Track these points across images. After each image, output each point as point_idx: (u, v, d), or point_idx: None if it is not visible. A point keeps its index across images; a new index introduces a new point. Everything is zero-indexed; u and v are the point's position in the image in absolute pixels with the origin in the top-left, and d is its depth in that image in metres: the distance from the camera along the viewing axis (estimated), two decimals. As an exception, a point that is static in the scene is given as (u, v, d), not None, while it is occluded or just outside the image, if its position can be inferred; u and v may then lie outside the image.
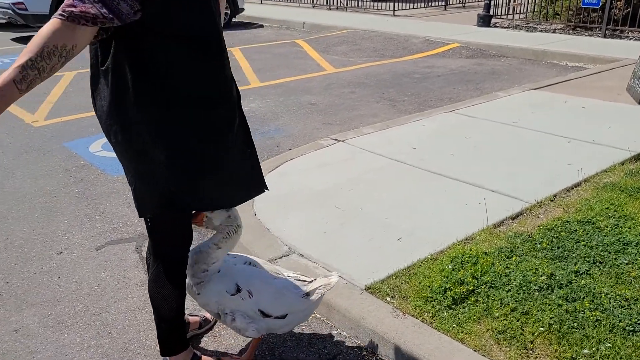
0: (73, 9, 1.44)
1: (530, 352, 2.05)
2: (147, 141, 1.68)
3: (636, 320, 2.12)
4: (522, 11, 11.30)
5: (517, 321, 2.18)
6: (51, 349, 2.26)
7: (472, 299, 2.33)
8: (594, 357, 1.99)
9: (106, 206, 3.48)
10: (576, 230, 2.77)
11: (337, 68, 7.78)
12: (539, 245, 2.67)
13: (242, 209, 3.23)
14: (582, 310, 2.19)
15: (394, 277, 2.56)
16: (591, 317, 2.15)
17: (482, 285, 2.40)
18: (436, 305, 2.33)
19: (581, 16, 9.76)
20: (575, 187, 3.40)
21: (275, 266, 2.22)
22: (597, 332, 2.08)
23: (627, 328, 2.09)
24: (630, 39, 8.93)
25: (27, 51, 1.40)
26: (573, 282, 2.37)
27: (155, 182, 1.73)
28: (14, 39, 10.62)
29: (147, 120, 1.66)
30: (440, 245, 2.80)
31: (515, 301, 2.28)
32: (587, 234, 2.74)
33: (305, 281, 2.17)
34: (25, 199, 3.68)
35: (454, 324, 2.22)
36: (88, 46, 1.61)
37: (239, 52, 8.99)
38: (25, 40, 10.37)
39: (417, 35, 9.77)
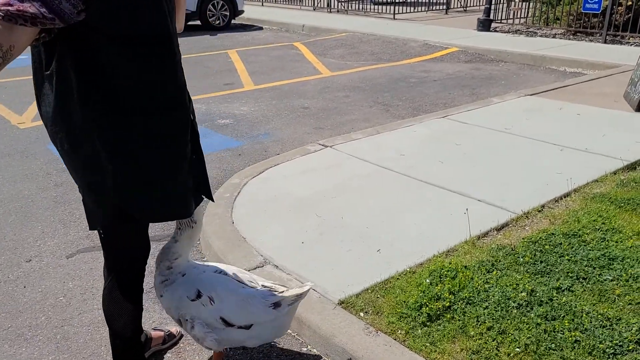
0: (9, 7, 1.35)
1: (505, 374, 1.94)
2: (93, 149, 1.59)
3: (617, 341, 2.01)
4: (522, 16, 11.20)
5: (493, 341, 2.08)
6: (7, 363, 2.18)
7: (448, 315, 2.23)
8: (571, 381, 1.89)
9: (82, 212, 3.39)
10: (561, 244, 2.67)
11: (333, 72, 7.70)
12: (521, 259, 2.56)
13: (219, 217, 3.14)
14: (561, 330, 2.09)
15: (369, 291, 2.46)
16: (570, 338, 2.04)
17: (459, 301, 2.30)
18: (410, 322, 2.23)
19: (582, 21, 9.64)
20: (564, 197, 3.29)
21: (252, 275, 2.13)
22: (575, 354, 1.98)
23: (607, 350, 1.98)
24: (630, 45, 8.81)
25: None
26: (554, 299, 2.27)
27: (104, 193, 1.64)
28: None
29: (92, 127, 1.57)
30: (420, 258, 2.70)
31: (492, 319, 2.18)
32: (572, 247, 2.63)
33: (277, 291, 2.08)
34: (1, 204, 3.60)
35: (427, 342, 2.12)
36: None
37: (236, 55, 8.91)
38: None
39: (416, 39, 9.68)
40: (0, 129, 5.13)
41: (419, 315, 2.25)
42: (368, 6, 13.97)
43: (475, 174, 3.70)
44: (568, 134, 4.45)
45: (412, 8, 13.52)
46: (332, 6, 14.25)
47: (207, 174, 1.92)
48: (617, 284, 2.35)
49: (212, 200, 1.96)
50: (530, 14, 11.00)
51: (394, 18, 12.58)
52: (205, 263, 2.11)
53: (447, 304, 2.28)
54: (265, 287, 2.06)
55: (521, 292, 2.32)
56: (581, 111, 5.12)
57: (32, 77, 1.64)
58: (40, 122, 5.31)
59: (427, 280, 2.44)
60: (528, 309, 2.23)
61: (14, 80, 6.86)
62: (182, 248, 1.99)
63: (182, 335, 2.34)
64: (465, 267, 2.53)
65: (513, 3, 11.53)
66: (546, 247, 2.65)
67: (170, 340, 2.29)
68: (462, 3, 14.61)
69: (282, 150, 4.52)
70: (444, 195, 3.39)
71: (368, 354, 2.09)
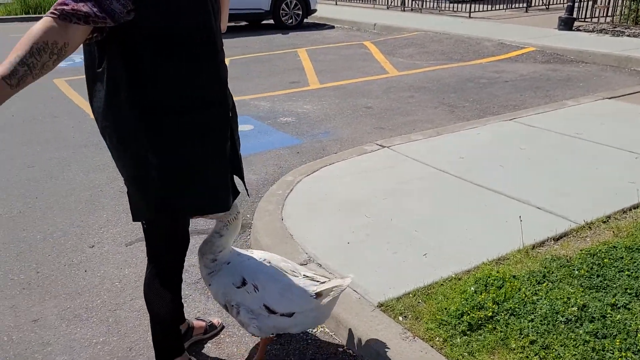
0: (65, 7, 1.44)
1: (544, 392, 1.85)
2: (139, 144, 1.67)
3: (674, 367, 1.85)
4: (609, 14, 10.53)
5: (535, 355, 1.98)
6: (62, 342, 2.33)
7: (490, 326, 2.15)
8: (617, 405, 1.76)
9: (145, 203, 3.57)
10: (622, 258, 2.49)
11: (400, 71, 7.60)
12: (576, 272, 2.42)
13: (269, 213, 3.20)
14: (611, 350, 1.95)
15: (411, 295, 2.42)
16: (620, 359, 1.91)
17: (503, 311, 2.21)
18: (450, 330, 2.17)
19: (676, 19, 8.93)
20: (634, 208, 3.07)
21: (295, 264, 2.17)
22: (624, 377, 1.85)
23: (661, 376, 1.83)
24: None
25: (16, 48, 1.41)
26: (607, 316, 2.12)
27: (148, 187, 1.72)
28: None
29: (139, 123, 1.65)
30: (467, 265, 2.62)
31: (537, 333, 2.08)
32: (635, 262, 2.45)
33: (318, 282, 2.10)
34: (74, 192, 3.85)
35: (465, 352, 2.05)
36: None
37: (305, 53, 9.01)
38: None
39: (490, 38, 9.36)
40: (80, 122, 5.49)
41: (459, 323, 2.18)
42: (443, 4, 13.66)
43: (538, 180, 3.53)
44: (646, 141, 4.15)
45: (490, 6, 13.08)
46: (406, 4, 14.06)
47: (243, 168, 1.97)
48: (681, 305, 2.16)
49: (248, 195, 2.01)
50: (617, 12, 10.32)
51: (470, 17, 12.22)
52: (250, 251, 2.15)
53: (490, 314, 2.20)
54: (307, 277, 2.09)
55: (572, 306, 2.19)
56: (664, 116, 4.76)
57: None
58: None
59: (472, 288, 2.37)
60: (577, 324, 2.10)
61: (96, 77, 7.28)
62: (227, 241, 2.05)
63: (223, 327, 2.41)
64: (514, 276, 2.43)
65: (599, 0, 10.87)
66: (605, 260, 2.49)
67: (212, 331, 2.36)
68: (544, 1, 13.95)
69: (340, 150, 4.52)
70: (501, 201, 3.27)
71: (403, 359, 2.06)
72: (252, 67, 8.07)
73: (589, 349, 1.97)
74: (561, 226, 2.91)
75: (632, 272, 2.38)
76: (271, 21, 12.07)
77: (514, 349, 2.02)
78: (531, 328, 2.10)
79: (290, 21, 12.05)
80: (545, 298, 2.26)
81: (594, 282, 2.34)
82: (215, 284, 2.05)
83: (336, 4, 16.07)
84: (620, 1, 10.29)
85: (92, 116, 5.67)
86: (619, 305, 2.18)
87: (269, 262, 2.10)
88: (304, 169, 3.92)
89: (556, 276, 2.42)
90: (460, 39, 9.53)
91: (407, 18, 12.43)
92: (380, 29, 11.53)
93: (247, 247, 3.07)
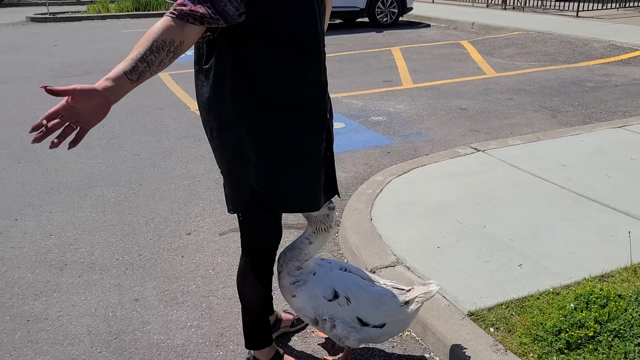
0: (183, 7, 1.51)
1: None
2: (238, 140, 1.73)
3: None
4: None
5: (642, 384, 1.83)
6: (160, 322, 2.47)
7: (590, 346, 2.01)
8: None
9: (238, 195, 3.70)
10: None
11: (498, 72, 7.32)
12: (693, 297, 2.21)
13: (358, 212, 3.20)
14: None
15: (503, 306, 2.32)
16: None
17: (606, 332, 2.06)
18: (545, 347, 2.06)
19: None
20: None
21: (370, 274, 2.14)
22: None
23: None
24: None
25: (138, 45, 1.49)
26: None
27: (245, 182, 1.77)
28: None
29: (241, 120, 1.70)
30: (567, 279, 2.47)
31: (645, 360, 1.92)
32: None
33: (402, 289, 2.07)
34: (174, 180, 4.07)
35: (561, 372, 1.94)
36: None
37: (398, 52, 8.91)
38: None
39: (599, 39, 8.77)
40: (181, 115, 5.79)
41: (556, 340, 2.06)
42: (548, 2, 12.98)
43: (650, 193, 3.26)
44: None
45: (601, 5, 12.26)
46: (507, 2, 13.50)
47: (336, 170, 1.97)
48: None
49: (339, 197, 2.00)
50: None
51: (577, 16, 11.52)
52: (327, 259, 2.09)
53: (591, 334, 2.06)
54: (387, 285, 2.06)
55: (686, 334, 2.00)
56: None
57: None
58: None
59: (572, 305, 2.23)
60: (692, 355, 1.92)
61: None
62: (315, 249, 1.98)
63: (309, 322, 2.44)
64: (620, 296, 2.26)
65: None
66: None
67: (298, 325, 2.40)
68: (663, -2, 12.85)
69: (432, 151, 4.43)
70: (606, 214, 3.05)
71: (492, 372, 1.98)
72: (345, 65, 8.10)
73: None
74: (676, 245, 2.67)
75: None
76: (366, 19, 12.06)
77: (618, 374, 1.88)
78: (637, 352, 1.95)
79: (385, 19, 11.98)
80: (655, 322, 2.08)
81: None
82: (303, 297, 1.96)
83: (433, 2, 15.75)
84: None
85: (192, 109, 5.98)
86: None
87: (350, 272, 2.05)
88: (394, 169, 3.89)
89: (669, 299, 2.22)
90: (566, 39, 9.01)
91: (508, 17, 11.94)
92: (479, 28, 11.16)
93: (334, 244, 3.10)
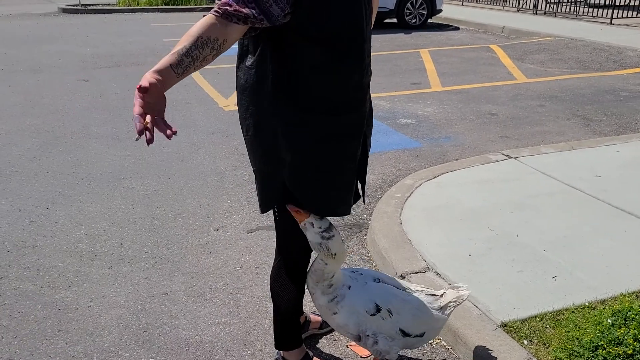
0: (228, 7, 1.51)
1: None
2: (275, 140, 1.71)
3: None
4: None
5: (684, 407, 1.77)
6: (188, 317, 2.47)
7: (629, 365, 1.96)
8: None
9: (266, 193, 3.70)
10: None
11: (529, 78, 7.20)
12: None
13: (388, 216, 3.17)
14: None
15: (537, 318, 2.27)
16: None
17: (645, 352, 2.00)
18: (581, 363, 2.01)
19: None
20: None
21: (401, 280, 2.11)
22: None
23: None
24: None
25: (183, 40, 1.49)
26: None
27: (277, 181, 1.76)
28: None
29: (279, 120, 1.69)
30: (603, 294, 2.41)
31: (687, 382, 1.85)
32: None
33: (435, 295, 2.03)
34: (202, 176, 4.08)
35: (598, 389, 1.89)
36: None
37: (427, 55, 8.84)
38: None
39: (634, 47, 8.59)
40: (209, 110, 5.81)
41: (593, 356, 2.01)
42: (581, 9, 12.75)
43: (689, 208, 3.17)
44: None
45: (635, 12, 12.00)
46: (539, 7, 13.30)
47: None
48: None
49: (363, 202, 2.00)
50: None
51: (611, 23, 11.29)
52: (359, 270, 2.02)
53: (630, 352, 2.00)
54: (419, 292, 2.03)
55: None
56: None
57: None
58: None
59: (609, 320, 2.17)
60: None
61: (225, 67, 7.68)
62: (334, 268, 1.88)
63: (337, 325, 2.41)
64: (660, 314, 2.19)
65: None
66: None
67: (327, 327, 2.38)
68: (701, 8, 12.53)
69: (462, 156, 4.37)
70: (644, 228, 2.97)
71: (526, 386, 1.94)
72: (373, 66, 8.01)
73: None
74: None
75: None
76: (394, 20, 11.98)
77: (658, 396, 1.83)
78: (680, 375, 1.88)
79: (413, 21, 11.89)
80: (697, 343, 2.02)
81: None
82: (345, 314, 1.88)
83: (462, 5, 15.60)
84: None
85: (219, 104, 5.99)
86: None
87: (384, 282, 2.00)
88: (424, 173, 3.84)
89: None
90: (599, 46, 8.84)
91: (540, 22, 11.76)
92: (509, 32, 11.01)
93: (362, 246, 3.07)
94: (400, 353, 2.24)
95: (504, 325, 2.24)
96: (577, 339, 2.11)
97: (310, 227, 1.79)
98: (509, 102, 6.05)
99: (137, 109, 1.39)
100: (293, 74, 1.64)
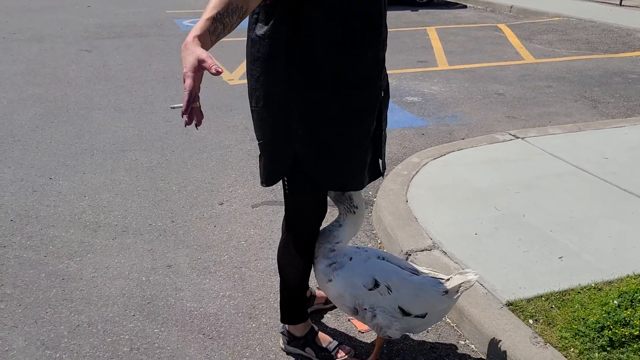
0: None
1: None
2: (286, 113, 1.68)
3: None
4: None
5: (689, 389, 1.77)
6: (192, 290, 2.46)
7: (635, 345, 1.95)
8: None
9: (271, 167, 3.67)
10: None
11: (537, 58, 7.11)
12: None
13: (394, 193, 3.15)
14: None
15: (543, 298, 2.26)
16: None
17: (651, 333, 1.99)
18: (587, 343, 2.00)
19: None
20: None
21: (408, 262, 2.09)
22: None
23: None
24: None
25: (214, 6, 1.40)
26: None
27: (286, 153, 1.73)
28: None
29: (292, 93, 1.65)
30: (609, 275, 2.40)
31: (693, 364, 1.85)
32: None
33: (442, 278, 2.02)
34: (206, 149, 4.05)
35: (603, 370, 1.89)
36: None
37: (434, 32, 8.72)
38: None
39: (643, 29, 8.47)
40: (213, 83, 5.74)
41: (598, 337, 2.01)
42: (590, -11, 12.53)
43: (697, 192, 3.15)
44: None
45: (645, -6, 11.80)
46: (547, -13, 13.08)
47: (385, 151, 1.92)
48: None
49: (382, 178, 1.98)
50: None
51: (621, 4, 11.13)
52: (364, 248, 2.03)
53: (637, 333, 1.99)
54: (423, 274, 2.00)
55: None
56: None
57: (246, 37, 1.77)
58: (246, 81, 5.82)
59: (615, 302, 2.16)
60: None
61: (230, 41, 7.57)
62: (345, 233, 1.94)
63: (342, 300, 2.41)
64: (666, 296, 2.18)
65: None
66: None
67: (331, 303, 2.37)
68: None
69: (468, 136, 4.33)
70: (652, 211, 2.95)
71: (531, 365, 1.94)
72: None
73: None
74: None
75: None
76: (401, -3, 11.79)
77: (663, 377, 1.83)
78: (686, 357, 1.88)
79: (420, -2, 11.70)
80: None
81: None
82: (341, 283, 1.89)
83: (469, -17, 15.32)
84: None
85: (223, 78, 5.92)
86: None
87: (388, 260, 1.98)
88: (430, 151, 3.81)
89: None
90: (608, 28, 8.72)
91: (548, 1, 11.57)
92: (517, 11, 10.85)
93: (368, 223, 3.05)
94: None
95: (509, 304, 2.24)
96: (583, 319, 2.11)
97: None
98: (516, 82, 5.98)
99: (189, 82, 1.33)
100: (308, 46, 1.60)
